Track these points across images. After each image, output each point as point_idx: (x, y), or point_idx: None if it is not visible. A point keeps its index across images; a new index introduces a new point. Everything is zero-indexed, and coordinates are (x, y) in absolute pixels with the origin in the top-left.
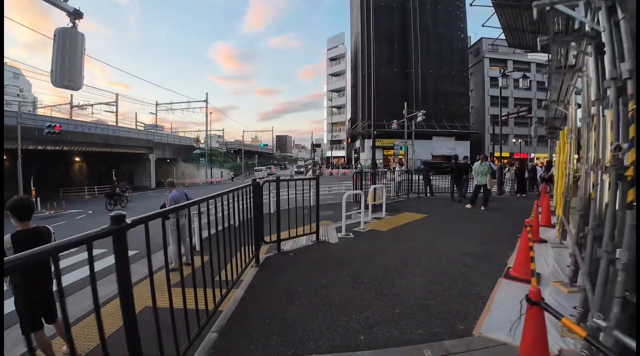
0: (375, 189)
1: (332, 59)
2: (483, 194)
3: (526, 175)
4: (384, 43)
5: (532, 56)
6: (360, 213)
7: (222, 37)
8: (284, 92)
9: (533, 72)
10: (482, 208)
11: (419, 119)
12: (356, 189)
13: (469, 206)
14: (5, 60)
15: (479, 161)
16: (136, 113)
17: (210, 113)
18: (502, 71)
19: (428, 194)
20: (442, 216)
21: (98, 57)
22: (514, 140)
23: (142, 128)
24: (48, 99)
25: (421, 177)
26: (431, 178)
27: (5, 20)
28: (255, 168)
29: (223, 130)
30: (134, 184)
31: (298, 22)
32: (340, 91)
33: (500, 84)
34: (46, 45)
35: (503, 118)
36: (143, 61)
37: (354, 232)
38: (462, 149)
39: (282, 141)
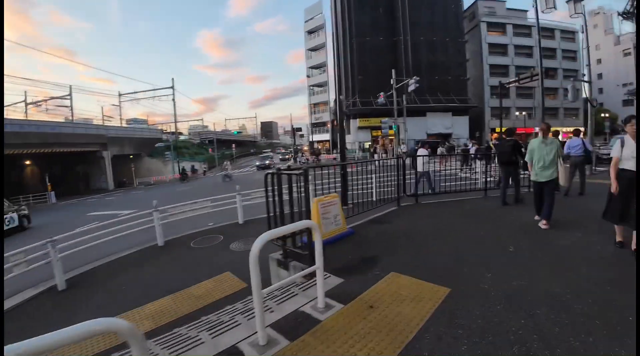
0: (321, 205)
1: (310, 32)
2: (545, 198)
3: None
4: (368, 8)
5: (533, 19)
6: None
7: (206, 24)
8: (274, 78)
9: (535, 38)
10: (543, 223)
11: (411, 88)
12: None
13: (540, 220)
14: None
15: (540, 136)
16: (102, 107)
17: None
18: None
19: (429, 191)
20: (503, 286)
21: (80, 53)
22: (516, 113)
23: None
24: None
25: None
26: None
27: None
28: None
29: (202, 119)
30: (89, 186)
31: (284, 5)
32: (320, 66)
33: None
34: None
35: (512, 84)
36: (127, 54)
37: None
38: (460, 125)
39: (267, 128)
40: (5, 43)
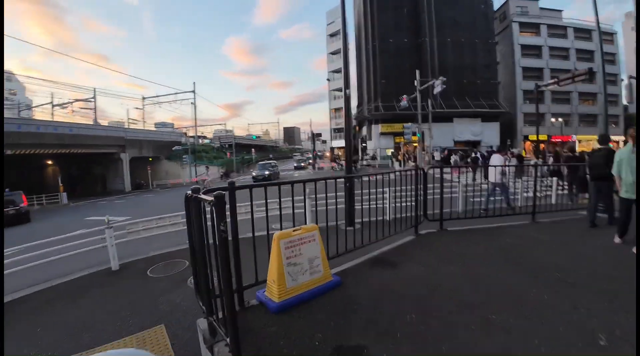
0: (285, 244)
1: (331, 35)
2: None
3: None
4: (391, 9)
5: (568, 20)
6: None
7: (234, 31)
8: (298, 84)
9: (571, 39)
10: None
11: (437, 89)
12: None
13: (617, 240)
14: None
15: (630, 145)
16: (128, 110)
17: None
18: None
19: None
20: None
21: (115, 59)
22: (552, 119)
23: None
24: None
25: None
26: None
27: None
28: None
29: (225, 124)
30: (107, 187)
31: (310, 12)
32: (341, 71)
33: None
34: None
35: (550, 86)
36: (157, 61)
37: None
38: (490, 132)
39: (290, 133)
40: (42, 49)
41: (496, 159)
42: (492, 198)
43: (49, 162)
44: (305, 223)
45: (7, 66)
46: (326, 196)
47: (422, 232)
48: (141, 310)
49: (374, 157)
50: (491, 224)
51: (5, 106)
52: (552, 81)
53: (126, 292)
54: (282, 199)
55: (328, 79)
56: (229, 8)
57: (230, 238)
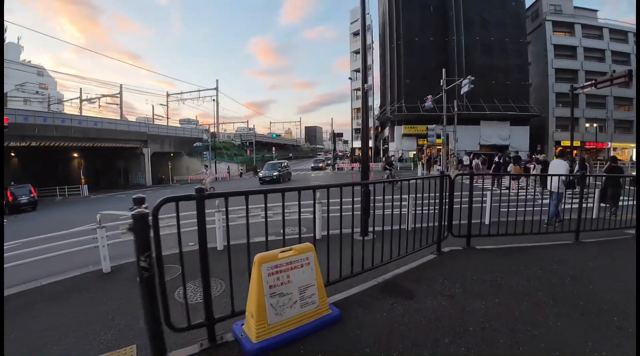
0: (269, 270)
1: (355, 34)
2: None
3: None
4: (417, 6)
5: (604, 20)
6: None
7: (259, 31)
8: (322, 85)
9: (606, 40)
10: None
11: (465, 89)
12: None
13: None
14: (30, 60)
15: None
16: (153, 106)
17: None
18: None
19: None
20: None
21: (145, 58)
22: (587, 125)
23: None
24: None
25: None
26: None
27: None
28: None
29: (247, 122)
30: (129, 181)
31: (334, 12)
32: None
33: None
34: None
35: (587, 88)
36: (185, 59)
37: None
38: (519, 137)
39: (311, 133)
40: (74, 46)
41: (559, 165)
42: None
43: (75, 155)
44: (314, 231)
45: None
46: (341, 201)
47: (446, 250)
48: (119, 323)
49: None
50: (528, 243)
51: (35, 100)
52: (589, 83)
53: (109, 300)
54: (288, 204)
55: (350, 78)
56: (255, 8)
57: (201, 248)
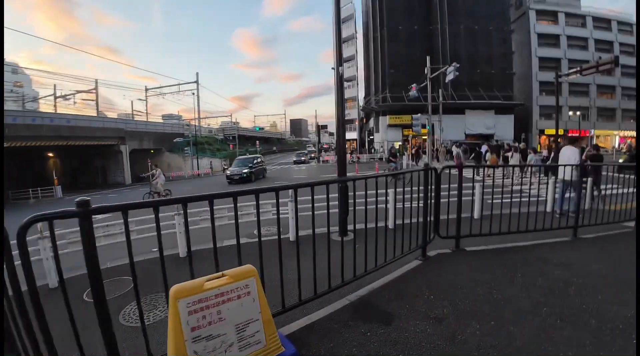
0: (191, 306)
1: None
2: None
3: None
4: None
5: (587, 8)
6: None
7: (243, 23)
8: (308, 77)
9: (589, 28)
10: None
11: (450, 77)
12: None
13: None
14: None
15: None
16: (132, 102)
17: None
18: None
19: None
20: None
21: (125, 52)
22: (570, 113)
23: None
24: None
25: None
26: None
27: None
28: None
29: (231, 116)
30: (107, 180)
31: (319, 3)
32: (350, 59)
33: None
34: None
35: (572, 75)
36: (167, 53)
37: None
38: (504, 125)
39: (297, 125)
40: (52, 43)
41: (570, 151)
42: (566, 196)
43: (50, 154)
44: (292, 231)
45: (15, 59)
46: (327, 198)
47: (432, 253)
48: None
49: (393, 153)
50: (524, 242)
51: (10, 99)
52: (574, 70)
53: (49, 321)
54: (263, 202)
55: (333, 68)
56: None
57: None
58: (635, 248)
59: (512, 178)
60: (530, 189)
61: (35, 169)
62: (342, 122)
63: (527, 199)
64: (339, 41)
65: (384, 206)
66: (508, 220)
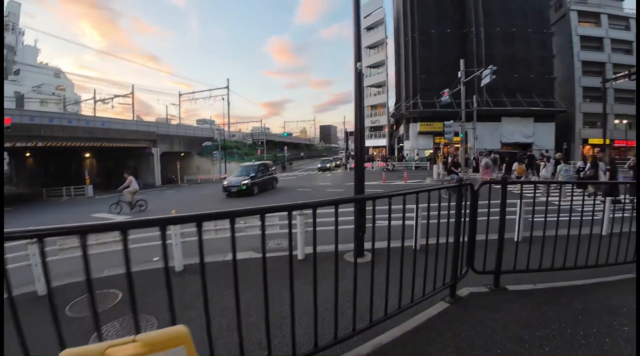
0: None
1: (368, 29)
2: None
3: None
4: None
5: (629, 10)
6: None
7: (276, 31)
8: (338, 83)
9: (633, 31)
10: None
11: (486, 80)
12: None
13: None
14: (47, 62)
15: None
16: (167, 106)
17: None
18: None
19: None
20: None
21: (164, 59)
22: (615, 121)
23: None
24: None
25: None
26: None
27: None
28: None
29: (262, 121)
30: (138, 180)
31: (349, 10)
32: (379, 65)
33: None
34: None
35: (620, 79)
36: (203, 61)
37: None
38: (544, 134)
39: (326, 131)
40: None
41: None
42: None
43: (87, 155)
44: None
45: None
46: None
47: (463, 292)
48: None
49: (455, 162)
50: (581, 281)
51: (52, 101)
52: (622, 74)
53: (33, 332)
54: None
55: (360, 71)
56: (271, 8)
57: None
58: None
59: (560, 195)
60: (583, 206)
61: (72, 169)
62: (362, 127)
63: (579, 218)
64: (358, 32)
65: (405, 223)
66: (553, 246)
